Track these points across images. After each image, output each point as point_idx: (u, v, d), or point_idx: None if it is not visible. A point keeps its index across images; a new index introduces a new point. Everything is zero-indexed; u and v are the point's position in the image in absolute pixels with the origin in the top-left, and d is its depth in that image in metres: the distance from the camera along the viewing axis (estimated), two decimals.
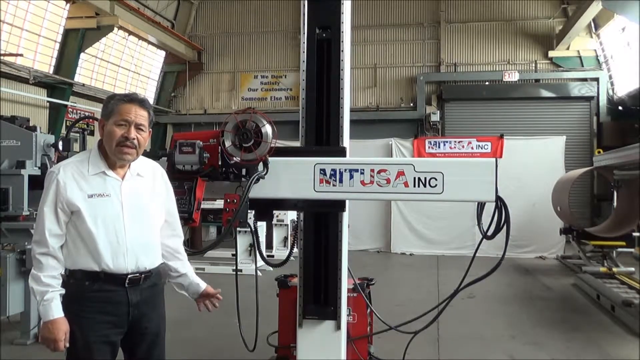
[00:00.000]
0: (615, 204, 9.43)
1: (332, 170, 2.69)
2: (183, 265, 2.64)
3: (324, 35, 2.92)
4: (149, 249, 2.41)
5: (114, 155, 2.33)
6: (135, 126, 2.32)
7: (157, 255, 2.48)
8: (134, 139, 2.30)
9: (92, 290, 2.28)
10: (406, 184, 2.63)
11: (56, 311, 2.21)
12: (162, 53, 16.86)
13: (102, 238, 2.27)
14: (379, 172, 2.65)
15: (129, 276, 2.32)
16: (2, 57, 10.97)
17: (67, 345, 2.23)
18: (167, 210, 2.54)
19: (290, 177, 2.75)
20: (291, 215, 9.72)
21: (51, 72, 12.71)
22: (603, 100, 14.69)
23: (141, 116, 2.34)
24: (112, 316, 2.31)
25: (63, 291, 2.26)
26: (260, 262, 6.05)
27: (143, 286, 2.38)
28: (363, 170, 2.67)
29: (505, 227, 2.60)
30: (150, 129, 2.43)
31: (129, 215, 2.33)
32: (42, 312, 2.21)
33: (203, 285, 2.67)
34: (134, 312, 2.36)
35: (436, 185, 2.61)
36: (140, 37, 15.15)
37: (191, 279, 2.65)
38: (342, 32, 2.90)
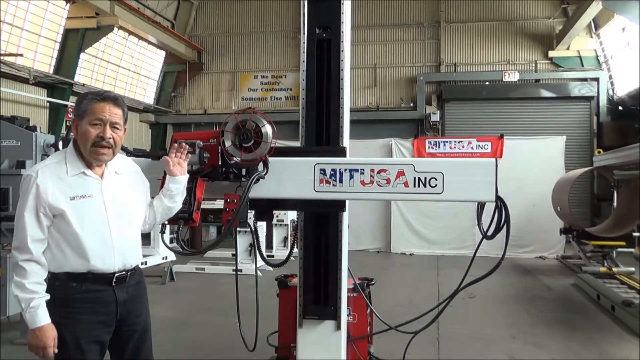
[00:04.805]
0: (615, 204, 9.44)
1: (332, 170, 2.69)
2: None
3: (324, 35, 2.91)
4: (133, 246, 2.43)
5: (89, 156, 2.30)
6: (110, 125, 2.28)
7: (140, 252, 2.50)
8: (109, 138, 2.28)
9: (80, 291, 2.26)
10: (406, 184, 2.63)
11: (43, 318, 2.18)
12: (162, 53, 16.85)
13: (89, 239, 2.25)
14: (379, 172, 2.65)
15: (115, 275, 2.32)
16: (2, 57, 10.96)
17: (56, 351, 2.21)
18: (150, 203, 2.53)
19: (290, 177, 2.74)
20: (291, 215, 9.72)
21: (51, 72, 12.70)
22: (603, 100, 14.68)
23: (115, 114, 2.31)
24: (102, 315, 2.31)
25: (48, 297, 2.22)
26: (260, 262, 6.05)
27: (129, 284, 2.40)
28: (363, 170, 2.66)
29: (505, 227, 2.60)
30: (125, 127, 2.40)
31: (112, 214, 2.32)
32: (29, 319, 2.18)
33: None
34: (122, 310, 2.37)
35: (436, 185, 2.61)
36: (140, 37, 15.14)
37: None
38: (342, 32, 2.89)
